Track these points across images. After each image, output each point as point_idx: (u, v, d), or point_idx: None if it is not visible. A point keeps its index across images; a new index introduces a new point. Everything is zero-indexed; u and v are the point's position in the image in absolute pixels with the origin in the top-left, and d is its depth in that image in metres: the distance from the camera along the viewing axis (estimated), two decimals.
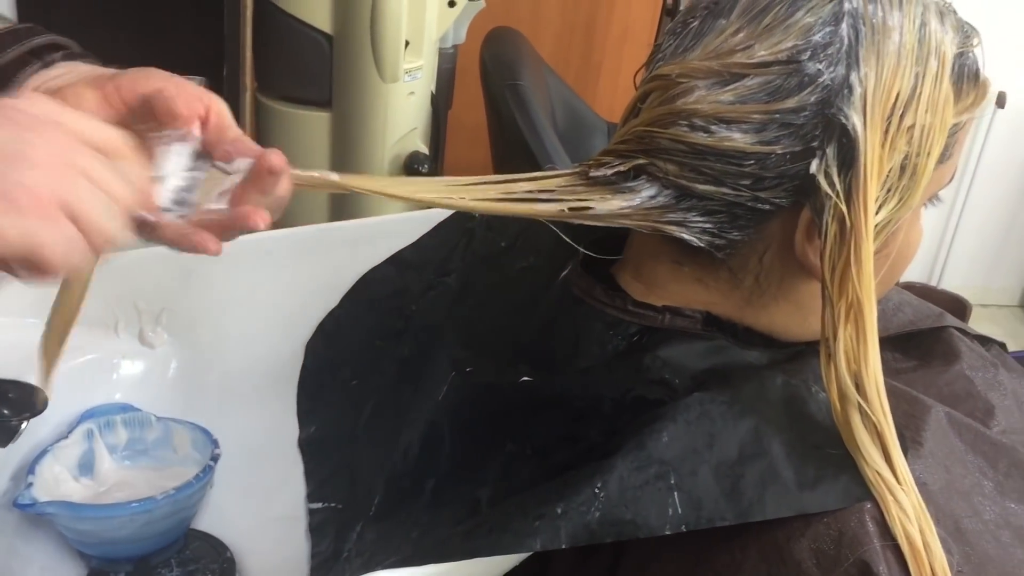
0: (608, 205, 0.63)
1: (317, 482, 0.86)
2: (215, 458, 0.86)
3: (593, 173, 0.64)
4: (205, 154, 0.56)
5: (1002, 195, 2.97)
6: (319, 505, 0.85)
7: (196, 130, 0.55)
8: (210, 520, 0.89)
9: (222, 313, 0.94)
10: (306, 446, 0.89)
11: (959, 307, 0.83)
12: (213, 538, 0.88)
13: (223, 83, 1.63)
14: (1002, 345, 0.79)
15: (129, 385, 0.92)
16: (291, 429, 0.90)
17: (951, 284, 2.96)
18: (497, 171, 1.66)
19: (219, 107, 0.57)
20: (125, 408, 0.90)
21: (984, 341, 0.78)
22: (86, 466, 0.87)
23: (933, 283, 3.00)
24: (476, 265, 0.85)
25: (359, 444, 0.85)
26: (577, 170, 0.65)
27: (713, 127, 0.59)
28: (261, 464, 0.91)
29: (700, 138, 0.59)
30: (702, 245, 0.62)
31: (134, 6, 1.80)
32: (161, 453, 0.90)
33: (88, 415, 0.89)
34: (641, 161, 0.62)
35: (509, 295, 0.79)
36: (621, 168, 0.63)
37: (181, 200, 0.55)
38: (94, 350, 0.91)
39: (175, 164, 0.54)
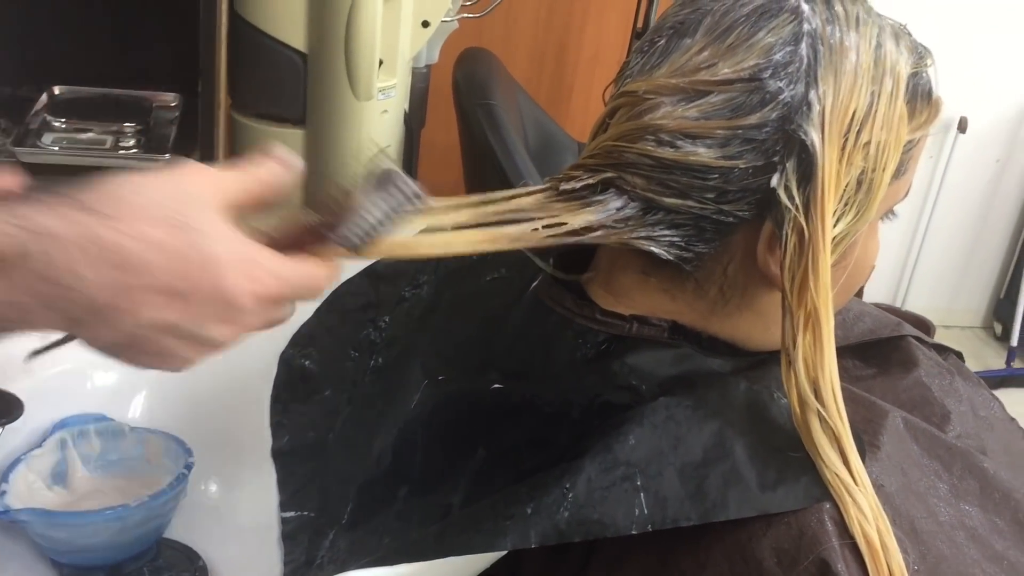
0: (578, 219, 0.64)
1: (290, 491, 0.87)
2: (188, 467, 0.86)
3: (563, 187, 0.65)
4: None
5: (964, 218, 3.03)
6: (292, 514, 0.85)
7: None
8: (183, 529, 0.89)
9: None
10: (279, 456, 0.90)
11: (923, 328, 0.85)
12: (186, 547, 0.88)
13: (198, 100, 1.64)
14: (958, 354, 0.82)
15: (103, 395, 0.92)
16: (264, 439, 0.91)
17: (915, 306, 3.01)
18: (469, 190, 1.68)
19: None
20: (99, 418, 0.90)
21: (941, 350, 0.81)
22: (59, 475, 0.88)
23: (897, 304, 3.04)
24: (447, 277, 0.87)
25: (332, 453, 0.86)
26: (548, 185, 0.67)
27: (679, 142, 0.61)
28: (234, 474, 0.92)
29: (666, 152, 0.61)
30: (671, 259, 0.64)
31: (108, 22, 1.80)
32: (134, 463, 0.91)
33: (61, 425, 0.89)
34: (609, 175, 0.64)
35: (480, 305, 0.80)
36: (590, 181, 0.64)
37: None
38: (67, 360, 0.90)
39: None
